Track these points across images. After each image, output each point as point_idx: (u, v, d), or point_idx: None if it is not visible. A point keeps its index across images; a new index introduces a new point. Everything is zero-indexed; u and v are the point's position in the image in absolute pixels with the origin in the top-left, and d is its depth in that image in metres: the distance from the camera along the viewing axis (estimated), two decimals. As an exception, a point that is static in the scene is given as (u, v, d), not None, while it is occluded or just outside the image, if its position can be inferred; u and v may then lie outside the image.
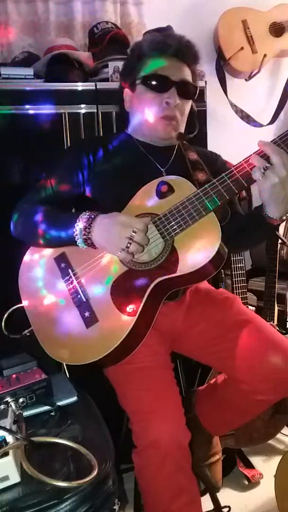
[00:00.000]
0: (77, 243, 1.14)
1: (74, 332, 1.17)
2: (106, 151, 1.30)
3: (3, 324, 1.29)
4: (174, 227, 1.12)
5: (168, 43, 1.25)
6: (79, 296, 1.19)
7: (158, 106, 1.25)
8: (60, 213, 1.21)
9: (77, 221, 1.13)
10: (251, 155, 1.09)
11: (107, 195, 1.26)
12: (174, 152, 1.33)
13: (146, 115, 1.27)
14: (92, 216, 1.13)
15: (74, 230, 1.13)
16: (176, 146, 1.34)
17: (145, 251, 1.13)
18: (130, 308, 1.13)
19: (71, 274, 1.22)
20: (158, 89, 1.25)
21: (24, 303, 1.27)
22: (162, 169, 1.28)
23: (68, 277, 1.22)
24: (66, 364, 1.34)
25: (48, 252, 1.27)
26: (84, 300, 1.18)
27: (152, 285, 1.13)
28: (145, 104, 1.27)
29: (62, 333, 1.19)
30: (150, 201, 1.18)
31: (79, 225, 1.12)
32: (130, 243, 1.08)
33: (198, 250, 1.11)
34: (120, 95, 1.36)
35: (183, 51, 1.26)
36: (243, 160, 1.10)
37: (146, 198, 1.19)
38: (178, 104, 1.25)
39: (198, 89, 1.30)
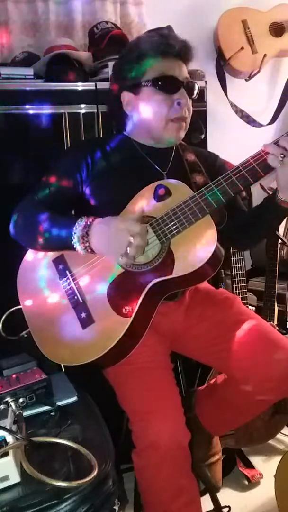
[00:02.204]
0: (77, 251, 1.13)
1: (70, 333, 1.18)
2: (104, 153, 1.30)
3: (0, 325, 1.29)
4: (171, 229, 1.13)
5: (171, 44, 1.24)
6: (75, 297, 1.19)
7: (169, 108, 1.23)
8: (58, 219, 1.19)
9: (74, 229, 1.12)
10: (248, 159, 1.09)
11: (106, 197, 1.25)
12: (173, 153, 1.33)
13: (155, 117, 1.25)
14: (88, 223, 1.12)
15: (72, 238, 1.12)
16: (174, 148, 1.34)
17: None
18: (126, 309, 1.13)
19: (69, 275, 1.22)
20: (168, 91, 1.23)
21: (22, 304, 1.27)
22: (163, 172, 1.28)
23: (65, 279, 1.22)
24: (64, 365, 1.34)
25: (47, 254, 1.27)
26: (81, 301, 1.18)
27: (148, 287, 1.13)
28: (154, 106, 1.24)
29: (59, 334, 1.19)
30: (148, 204, 1.19)
31: (77, 233, 1.12)
32: (129, 248, 1.08)
33: (194, 252, 1.11)
34: (112, 96, 1.33)
35: (184, 51, 1.26)
36: (239, 164, 1.11)
37: (144, 200, 1.19)
38: (188, 104, 1.25)
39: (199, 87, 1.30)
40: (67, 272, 1.22)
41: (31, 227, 1.21)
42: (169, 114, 1.24)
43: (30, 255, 1.30)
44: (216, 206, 1.11)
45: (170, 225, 1.13)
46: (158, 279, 1.13)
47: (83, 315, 1.17)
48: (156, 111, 1.24)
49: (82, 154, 1.29)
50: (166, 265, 1.13)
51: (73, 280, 1.21)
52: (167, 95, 1.23)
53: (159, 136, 1.28)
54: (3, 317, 1.30)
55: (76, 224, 1.13)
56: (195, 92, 1.28)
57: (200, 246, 1.11)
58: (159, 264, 1.13)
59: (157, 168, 1.28)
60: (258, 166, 1.09)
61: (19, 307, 1.27)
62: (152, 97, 1.24)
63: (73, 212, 1.35)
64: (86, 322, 1.16)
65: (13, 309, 1.28)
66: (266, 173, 1.10)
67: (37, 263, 1.28)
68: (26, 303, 1.26)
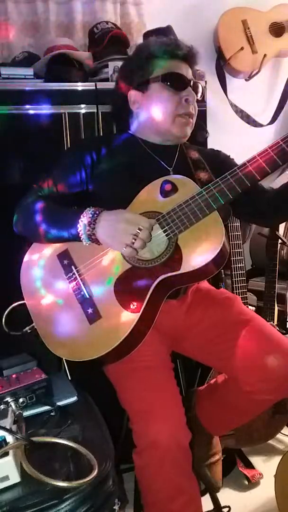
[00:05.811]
0: (81, 238, 1.14)
1: (77, 328, 1.18)
2: (109, 150, 1.30)
3: (3, 321, 1.29)
4: (178, 225, 1.13)
5: (180, 46, 1.28)
6: (82, 292, 1.19)
7: (177, 104, 1.26)
8: (63, 209, 1.22)
9: (81, 216, 1.14)
10: (254, 156, 1.10)
11: (111, 194, 1.25)
12: (177, 151, 1.34)
13: (163, 113, 1.27)
14: (97, 212, 1.14)
15: (78, 225, 1.13)
16: (179, 146, 1.35)
17: (148, 248, 1.14)
18: (133, 305, 1.13)
19: (74, 271, 1.21)
20: (176, 87, 1.26)
21: (26, 300, 1.26)
22: (169, 168, 1.29)
23: (71, 274, 1.22)
24: (67, 362, 1.34)
25: (51, 249, 1.27)
26: (87, 296, 1.18)
27: (155, 282, 1.13)
28: (162, 102, 1.27)
29: (65, 330, 1.19)
30: (154, 199, 1.19)
31: (84, 220, 1.13)
32: (136, 240, 1.08)
33: (202, 249, 1.12)
34: (118, 96, 1.34)
35: (191, 55, 1.30)
36: (246, 160, 1.11)
37: (150, 196, 1.20)
38: (194, 102, 1.28)
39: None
40: (73, 267, 1.22)
41: (34, 219, 1.21)
42: (177, 110, 1.26)
43: (33, 250, 1.30)
44: (223, 202, 1.12)
45: (177, 220, 1.13)
46: (166, 275, 1.13)
47: (90, 310, 1.17)
48: (164, 107, 1.27)
49: (86, 150, 1.29)
50: (174, 261, 1.13)
51: (79, 275, 1.21)
52: (175, 91, 1.26)
53: (166, 131, 1.29)
54: (6, 312, 1.30)
55: (84, 212, 1.14)
56: (200, 93, 1.32)
57: (208, 242, 1.12)
58: (167, 260, 1.13)
59: (163, 164, 1.29)
60: (265, 163, 1.09)
61: (21, 302, 1.27)
62: (161, 93, 1.27)
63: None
64: (93, 318, 1.16)
65: (15, 304, 1.28)
66: (275, 168, 1.10)
67: (41, 259, 1.28)
68: (31, 299, 1.26)
